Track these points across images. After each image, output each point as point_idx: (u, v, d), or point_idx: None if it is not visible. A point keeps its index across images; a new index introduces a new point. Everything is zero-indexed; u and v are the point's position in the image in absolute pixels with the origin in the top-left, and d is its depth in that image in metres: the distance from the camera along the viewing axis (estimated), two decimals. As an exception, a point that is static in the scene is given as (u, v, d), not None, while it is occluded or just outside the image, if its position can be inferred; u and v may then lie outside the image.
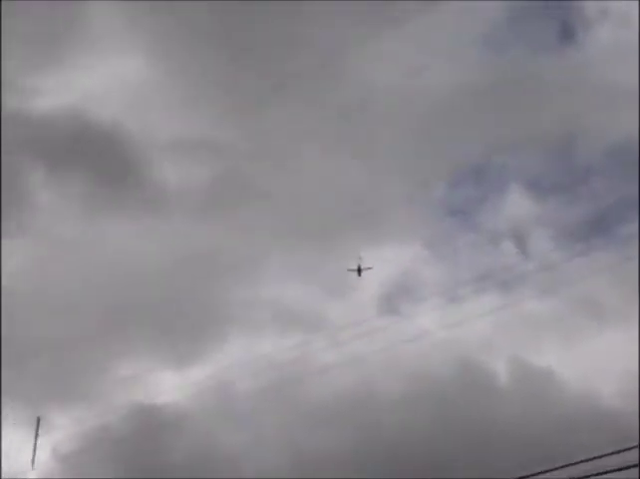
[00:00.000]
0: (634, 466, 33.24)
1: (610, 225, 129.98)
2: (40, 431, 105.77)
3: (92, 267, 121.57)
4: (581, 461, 34.89)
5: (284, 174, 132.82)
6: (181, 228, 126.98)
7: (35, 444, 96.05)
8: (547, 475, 36.90)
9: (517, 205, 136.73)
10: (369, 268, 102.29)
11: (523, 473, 38.87)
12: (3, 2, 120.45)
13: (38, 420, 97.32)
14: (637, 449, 33.23)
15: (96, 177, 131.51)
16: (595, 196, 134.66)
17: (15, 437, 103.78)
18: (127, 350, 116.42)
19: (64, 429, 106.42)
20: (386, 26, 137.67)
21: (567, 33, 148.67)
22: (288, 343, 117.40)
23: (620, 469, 33.44)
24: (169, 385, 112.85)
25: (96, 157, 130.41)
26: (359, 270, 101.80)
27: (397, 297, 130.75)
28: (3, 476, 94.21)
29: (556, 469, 36.11)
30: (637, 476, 33.52)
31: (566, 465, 35.47)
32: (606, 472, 33.87)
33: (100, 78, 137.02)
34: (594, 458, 34.40)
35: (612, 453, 33.97)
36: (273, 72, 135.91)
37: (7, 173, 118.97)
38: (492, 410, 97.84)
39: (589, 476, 34.41)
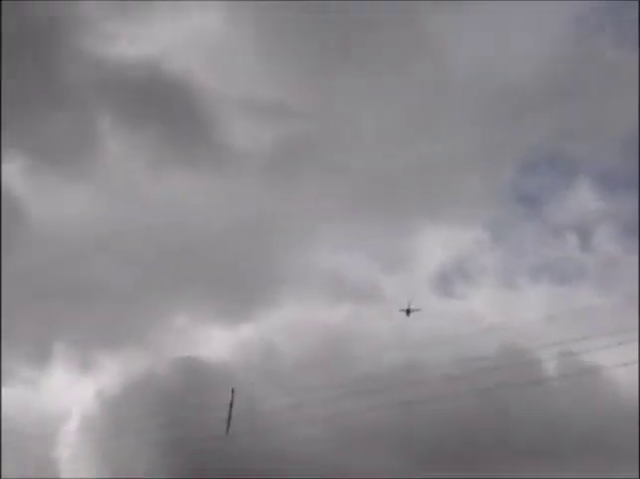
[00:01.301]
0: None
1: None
2: (87, 373, 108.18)
3: (154, 219, 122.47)
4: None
5: (350, 144, 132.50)
6: (244, 189, 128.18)
7: (230, 412, 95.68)
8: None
9: (585, 196, 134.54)
10: (418, 310, 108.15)
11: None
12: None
13: (233, 391, 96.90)
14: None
15: (164, 128, 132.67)
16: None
17: (63, 377, 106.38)
18: (181, 303, 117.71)
19: (111, 373, 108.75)
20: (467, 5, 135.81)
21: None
22: (339, 312, 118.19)
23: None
24: (219, 341, 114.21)
25: (166, 108, 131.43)
26: (408, 311, 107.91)
27: (451, 278, 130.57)
28: (48, 414, 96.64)
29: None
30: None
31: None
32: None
33: (179, 31, 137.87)
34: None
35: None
36: (349, 41, 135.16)
37: (77, 116, 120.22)
38: (537, 399, 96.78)
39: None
